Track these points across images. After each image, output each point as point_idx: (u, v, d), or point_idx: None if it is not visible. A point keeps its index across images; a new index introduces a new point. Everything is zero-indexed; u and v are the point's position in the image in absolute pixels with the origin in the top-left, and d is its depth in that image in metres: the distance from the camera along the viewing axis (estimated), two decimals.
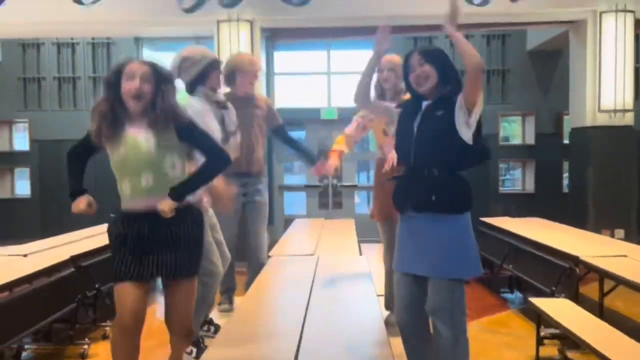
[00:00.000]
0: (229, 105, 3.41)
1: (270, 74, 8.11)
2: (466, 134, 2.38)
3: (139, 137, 2.30)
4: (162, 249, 2.32)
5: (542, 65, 8.16)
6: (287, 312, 2.76)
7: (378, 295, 2.99)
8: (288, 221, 7.10)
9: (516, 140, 8.67)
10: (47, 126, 8.18)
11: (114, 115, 2.31)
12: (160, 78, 2.34)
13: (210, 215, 3.30)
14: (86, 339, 3.83)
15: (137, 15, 6.51)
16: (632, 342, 2.74)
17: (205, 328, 3.72)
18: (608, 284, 3.74)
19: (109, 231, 2.42)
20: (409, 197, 2.46)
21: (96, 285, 3.93)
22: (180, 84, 3.24)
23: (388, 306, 3.82)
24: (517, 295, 5.14)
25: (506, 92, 8.27)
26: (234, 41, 6.44)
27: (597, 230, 5.83)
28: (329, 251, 4.15)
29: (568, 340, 3.25)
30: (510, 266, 4.87)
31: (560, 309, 3.29)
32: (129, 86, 2.28)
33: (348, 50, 8.63)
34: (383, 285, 3.86)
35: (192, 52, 3.24)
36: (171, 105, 2.32)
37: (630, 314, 4.41)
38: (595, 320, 3.13)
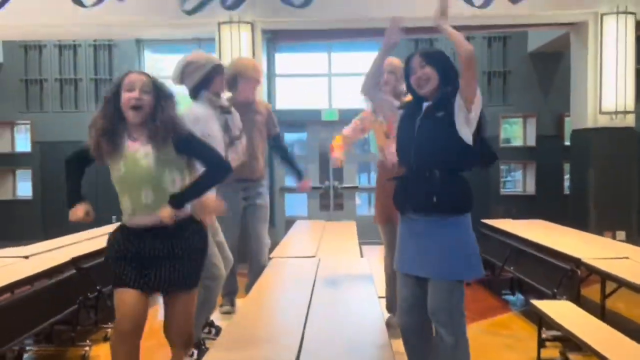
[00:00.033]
0: (233, 109, 3.40)
1: (271, 76, 8.13)
2: (466, 134, 2.38)
3: (138, 153, 2.29)
4: (163, 264, 2.31)
5: (543, 67, 8.16)
6: (288, 314, 2.76)
7: (379, 297, 2.99)
8: (289, 223, 7.10)
9: (517, 142, 8.67)
10: (49, 128, 8.20)
11: (113, 131, 2.29)
12: (159, 90, 2.34)
13: (212, 219, 3.30)
14: (87, 341, 3.83)
15: (139, 17, 6.52)
16: (634, 344, 2.73)
17: (207, 330, 3.72)
18: (610, 286, 3.74)
19: (109, 242, 2.42)
20: (410, 198, 2.46)
21: (97, 287, 3.93)
22: (184, 90, 3.26)
23: (389, 309, 3.82)
24: (518, 297, 5.13)
25: (507, 93, 8.27)
26: (235, 43, 6.44)
27: (598, 232, 5.82)
28: (330, 253, 4.14)
29: (570, 342, 3.25)
30: (512, 268, 4.86)
31: (562, 311, 3.28)
32: (128, 96, 2.28)
33: (349, 52, 8.64)
34: (384, 287, 3.86)
35: (195, 57, 3.24)
36: (170, 117, 2.31)
37: (632, 315, 4.41)
38: (597, 322, 3.13)
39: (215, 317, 3.90)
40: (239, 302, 4.34)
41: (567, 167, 7.90)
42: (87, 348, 3.73)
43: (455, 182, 2.42)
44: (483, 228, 5.73)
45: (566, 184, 8.13)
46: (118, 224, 2.45)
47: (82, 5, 6.43)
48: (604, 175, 6.45)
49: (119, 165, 2.30)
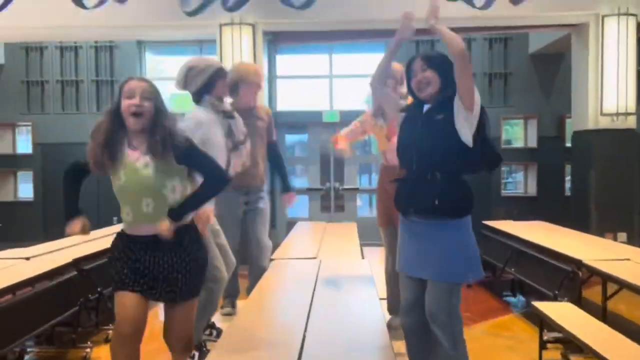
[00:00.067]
0: (236, 114, 3.38)
1: (272, 77, 8.14)
2: (466, 134, 2.38)
3: (138, 163, 2.28)
4: (162, 274, 2.30)
5: (544, 69, 8.16)
6: (289, 315, 2.76)
7: (380, 299, 2.99)
8: (290, 224, 7.09)
9: (518, 144, 8.67)
10: (50, 129, 8.21)
11: (114, 139, 2.29)
12: (159, 97, 2.34)
13: (214, 222, 3.30)
14: (88, 342, 3.83)
15: (140, 19, 6.53)
16: (635, 345, 2.73)
17: (208, 332, 3.72)
18: (611, 288, 3.73)
19: (112, 246, 2.42)
20: (412, 201, 2.47)
21: (98, 289, 3.93)
22: (188, 95, 3.25)
23: (391, 310, 3.82)
24: (519, 298, 5.13)
25: (508, 95, 8.27)
26: (236, 45, 6.45)
27: (599, 233, 5.82)
28: (331, 254, 4.14)
29: (571, 344, 3.24)
30: (513, 269, 4.86)
31: (563, 313, 3.28)
32: (128, 103, 2.27)
33: (350, 53, 8.65)
34: (385, 289, 3.86)
35: (197, 61, 3.23)
36: (169, 131, 2.29)
37: (633, 317, 4.40)
38: (598, 324, 3.12)
39: (216, 318, 3.90)
40: (240, 303, 4.34)
41: (568, 168, 7.90)
42: (88, 350, 3.73)
43: (457, 184, 2.43)
44: (484, 229, 5.72)
45: (567, 185, 8.12)
46: (119, 225, 2.45)
47: (83, 7, 6.44)
48: (605, 176, 6.44)
49: (119, 175, 2.30)
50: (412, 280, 2.52)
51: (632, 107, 6.42)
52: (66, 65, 8.38)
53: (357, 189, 8.67)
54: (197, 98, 3.21)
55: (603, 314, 3.68)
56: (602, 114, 6.42)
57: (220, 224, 3.41)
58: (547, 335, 3.51)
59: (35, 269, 3.58)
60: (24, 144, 8.62)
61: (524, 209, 7.77)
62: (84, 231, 2.43)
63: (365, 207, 8.98)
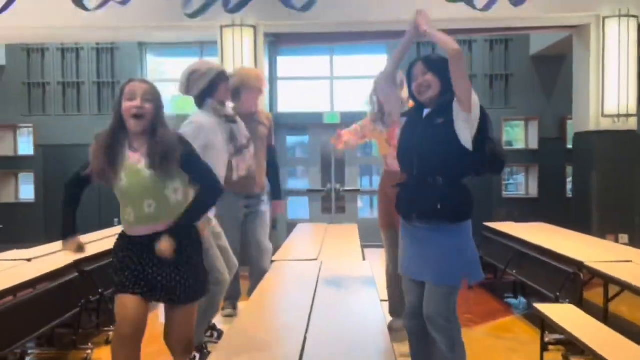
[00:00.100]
0: (238, 118, 3.37)
1: (273, 79, 8.14)
2: (465, 137, 2.38)
3: (139, 164, 2.29)
4: (162, 277, 2.30)
5: (545, 70, 8.16)
6: (290, 317, 2.76)
7: (382, 301, 2.98)
8: (291, 226, 7.09)
9: (519, 145, 8.66)
10: (52, 131, 8.21)
11: (115, 142, 2.30)
12: (160, 99, 2.35)
13: (215, 225, 3.30)
14: (89, 344, 3.84)
15: (141, 21, 6.53)
16: (637, 347, 2.72)
17: (209, 334, 3.72)
18: (613, 290, 3.73)
19: (114, 248, 2.42)
20: (414, 206, 2.47)
21: (99, 290, 3.94)
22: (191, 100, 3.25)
23: (392, 312, 3.81)
24: (521, 300, 5.12)
25: (509, 96, 8.27)
26: (237, 46, 6.45)
27: (601, 235, 5.81)
28: (332, 256, 4.14)
29: (572, 346, 3.24)
30: (514, 271, 4.85)
31: (565, 315, 3.27)
32: (129, 105, 2.27)
33: (351, 55, 8.65)
34: (386, 291, 3.85)
35: (198, 65, 3.23)
36: (168, 139, 2.30)
37: (635, 319, 4.39)
38: (600, 325, 3.12)
39: (217, 320, 3.90)
40: (241, 305, 4.34)
41: (569, 170, 7.88)
42: (88, 351, 3.74)
43: (458, 189, 2.44)
44: (485, 231, 5.72)
45: (569, 186, 8.11)
46: (120, 227, 2.46)
47: (84, 8, 6.45)
48: (606, 178, 6.44)
49: (120, 176, 2.30)
50: (415, 283, 2.54)
51: (633, 108, 6.42)
52: (67, 67, 8.38)
53: (358, 191, 8.66)
54: (200, 102, 3.20)
55: (604, 316, 3.68)
56: (603, 115, 6.41)
57: (221, 226, 3.41)
58: (548, 337, 3.51)
59: (36, 270, 3.59)
60: (25, 146, 8.62)
61: (525, 210, 7.76)
62: (80, 250, 2.50)
63: (366, 209, 8.98)
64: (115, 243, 2.42)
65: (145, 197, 2.29)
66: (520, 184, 8.93)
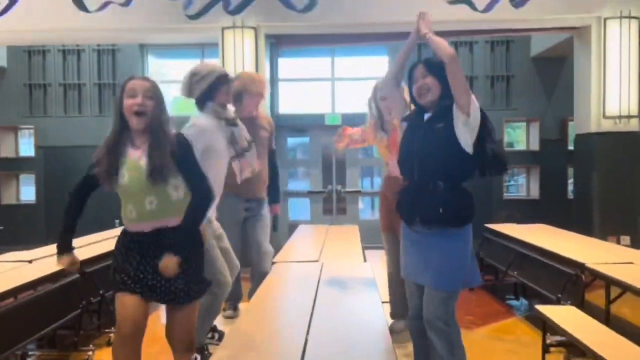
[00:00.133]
0: (239, 121, 3.36)
1: (274, 80, 8.14)
2: (465, 140, 2.38)
3: (141, 161, 2.29)
4: (163, 277, 2.30)
5: (547, 72, 8.16)
6: (291, 318, 2.75)
7: (383, 302, 2.98)
8: (292, 227, 7.09)
9: (520, 146, 8.66)
10: (53, 132, 8.22)
11: (118, 144, 2.31)
12: (161, 96, 2.35)
13: (217, 227, 3.30)
14: (90, 346, 3.83)
15: (142, 22, 6.54)
16: (639, 349, 2.72)
17: (210, 335, 3.71)
18: (614, 291, 3.72)
19: (115, 248, 2.42)
20: (416, 210, 2.47)
21: (100, 292, 3.94)
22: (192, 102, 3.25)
23: (393, 315, 3.80)
24: (522, 302, 5.11)
25: (510, 98, 8.27)
26: (238, 48, 6.46)
27: (602, 236, 5.80)
28: (333, 257, 4.14)
29: (574, 347, 3.23)
30: (516, 273, 4.84)
31: (566, 316, 3.27)
32: (131, 102, 2.28)
33: (352, 56, 8.65)
34: (387, 292, 3.85)
35: (200, 67, 3.22)
36: (168, 141, 2.31)
37: (637, 321, 4.38)
38: (602, 327, 3.11)
39: (218, 321, 3.89)
40: (242, 306, 4.34)
41: (570, 171, 7.88)
42: (90, 353, 3.74)
43: (459, 193, 2.44)
44: (486, 232, 5.71)
45: (570, 188, 8.10)
46: (120, 228, 2.46)
47: (86, 10, 6.45)
48: (608, 179, 6.43)
49: (121, 173, 2.30)
50: (417, 286, 2.54)
51: (634, 109, 6.41)
52: (68, 69, 8.39)
53: (359, 192, 8.66)
54: (200, 105, 3.19)
55: (606, 318, 3.67)
56: (604, 116, 6.41)
57: (222, 228, 3.41)
58: (550, 339, 3.50)
59: (37, 271, 3.59)
60: (27, 147, 8.63)
61: (526, 212, 7.75)
62: (73, 266, 2.52)
63: (367, 210, 8.98)
64: (117, 242, 2.42)
65: (147, 194, 2.29)
66: (521, 185, 8.93)
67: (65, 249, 2.47)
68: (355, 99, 8.20)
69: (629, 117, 6.38)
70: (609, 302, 3.75)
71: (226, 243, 3.39)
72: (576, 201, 7.07)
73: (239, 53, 6.45)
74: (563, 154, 8.04)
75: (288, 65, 8.58)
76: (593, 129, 6.48)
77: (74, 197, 2.45)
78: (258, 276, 4.04)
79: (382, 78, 2.78)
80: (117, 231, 2.55)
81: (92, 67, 8.38)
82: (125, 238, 2.38)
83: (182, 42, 7.87)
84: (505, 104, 8.25)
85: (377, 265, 4.22)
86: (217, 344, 3.49)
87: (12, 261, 3.96)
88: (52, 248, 4.42)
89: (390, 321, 3.70)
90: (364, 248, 4.70)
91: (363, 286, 3.25)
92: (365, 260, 4.14)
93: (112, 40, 7.87)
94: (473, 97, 2.39)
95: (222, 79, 3.19)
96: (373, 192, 8.60)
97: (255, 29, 6.50)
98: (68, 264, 2.49)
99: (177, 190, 2.34)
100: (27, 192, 8.61)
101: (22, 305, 3.31)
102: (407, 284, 2.64)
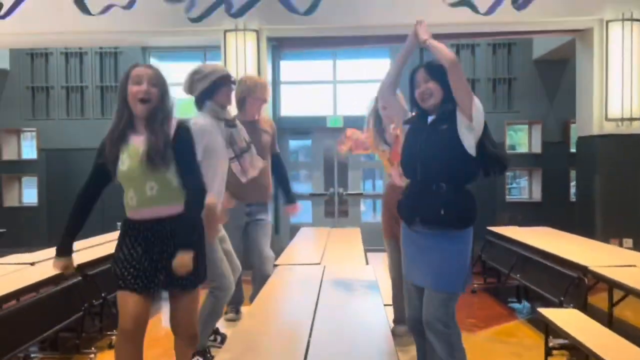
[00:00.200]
0: (238, 122, 3.37)
1: (276, 83, 8.15)
2: (469, 143, 2.38)
3: (142, 148, 2.30)
4: (166, 261, 2.31)
5: (549, 74, 8.15)
6: (293, 321, 2.75)
7: (385, 305, 2.97)
8: (294, 229, 7.09)
9: (523, 149, 8.65)
10: (55, 135, 8.24)
11: (123, 131, 2.33)
12: (165, 84, 2.39)
13: (219, 228, 3.30)
14: (92, 348, 3.83)
15: (145, 25, 6.55)
16: None
17: (212, 338, 3.71)
18: (617, 294, 3.71)
19: (119, 240, 2.43)
20: (418, 211, 2.47)
21: (102, 294, 3.94)
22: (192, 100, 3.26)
23: (396, 320, 3.79)
24: (524, 305, 5.10)
25: (512, 100, 8.26)
26: (240, 51, 6.47)
27: (605, 239, 5.79)
28: (335, 260, 4.13)
29: (577, 350, 3.22)
30: (518, 275, 4.83)
31: (569, 319, 3.26)
32: (136, 89, 2.30)
33: (354, 59, 8.66)
34: (390, 295, 3.84)
35: (203, 66, 3.23)
36: (168, 132, 2.33)
37: None
38: (605, 330, 3.10)
39: (220, 324, 3.89)
40: (243, 309, 4.34)
41: (573, 173, 7.87)
42: (92, 355, 3.73)
43: (462, 195, 2.44)
44: (489, 235, 5.71)
45: (572, 190, 8.09)
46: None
47: (88, 13, 6.47)
48: (610, 182, 6.42)
49: (123, 158, 2.32)
50: (417, 287, 2.54)
51: (637, 112, 6.40)
52: (71, 71, 8.41)
53: (361, 194, 8.66)
54: (199, 104, 3.20)
55: (609, 321, 3.65)
56: (607, 119, 6.40)
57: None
58: (552, 342, 3.50)
59: (39, 274, 3.59)
60: (29, 150, 8.64)
61: (528, 214, 7.74)
62: (66, 271, 2.55)
63: (369, 213, 8.97)
64: (120, 234, 2.42)
65: (148, 180, 2.31)
66: (523, 188, 8.92)
67: (64, 252, 2.50)
68: (357, 101, 8.20)
69: (631, 119, 6.37)
70: (612, 305, 3.74)
71: (229, 245, 3.39)
72: (578, 204, 7.06)
73: (241, 56, 6.46)
74: (565, 157, 8.03)
75: (290, 67, 8.59)
76: (595, 131, 6.47)
77: (85, 190, 2.44)
78: (260, 279, 4.04)
79: (379, 86, 2.77)
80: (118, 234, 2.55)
81: (95, 70, 8.39)
82: (126, 227, 2.38)
83: (184, 45, 7.88)
84: (507, 106, 8.24)
85: (379, 267, 4.22)
86: (219, 347, 3.49)
87: (15, 263, 3.96)
88: (54, 250, 4.46)
89: (393, 325, 3.69)
90: (366, 251, 4.69)
91: (365, 289, 3.25)
92: (367, 263, 4.14)
93: (114, 43, 7.89)
94: (476, 100, 2.40)
95: (224, 80, 3.19)
96: (375, 195, 8.59)
97: (257, 31, 6.52)
98: (62, 268, 2.52)
99: (178, 176, 2.35)
100: (30, 194, 8.62)
101: (25, 307, 3.31)
102: (405, 285, 2.64)
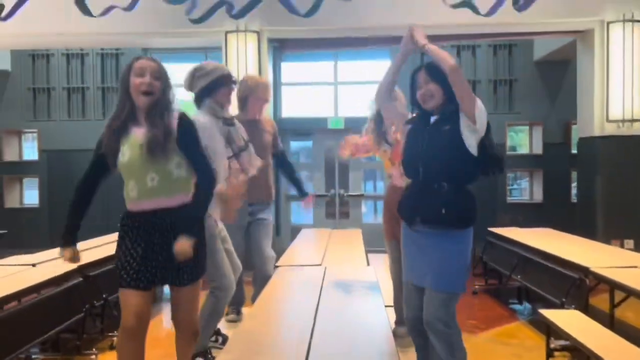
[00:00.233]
0: (236, 121, 3.37)
1: (277, 84, 8.15)
2: (471, 143, 2.39)
3: (143, 140, 2.32)
4: (167, 255, 2.32)
5: (550, 75, 8.15)
6: (294, 322, 2.75)
7: (386, 306, 2.97)
8: (295, 231, 7.09)
9: (524, 150, 8.64)
10: (56, 136, 8.25)
11: (125, 123, 2.35)
12: (167, 78, 2.40)
13: (221, 228, 3.30)
14: (94, 349, 3.83)
15: (146, 26, 6.57)
16: None
17: (213, 339, 3.71)
18: (619, 295, 3.71)
19: (120, 235, 2.44)
20: (418, 211, 2.47)
21: (104, 295, 3.94)
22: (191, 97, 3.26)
23: (398, 321, 3.79)
24: (526, 306, 5.10)
25: (513, 101, 8.26)
26: (241, 52, 6.47)
27: (606, 240, 5.78)
28: (336, 261, 4.13)
29: (578, 352, 3.22)
30: (519, 277, 4.83)
31: (570, 321, 3.26)
32: (139, 81, 2.31)
33: (355, 60, 8.67)
34: (391, 296, 3.84)
35: (205, 63, 3.23)
36: (169, 124, 2.34)
37: None
38: (606, 331, 3.10)
39: (222, 325, 3.89)
40: (245, 310, 4.34)
41: (574, 175, 7.87)
42: (93, 356, 3.73)
43: (463, 195, 2.45)
44: (490, 236, 5.70)
45: (573, 192, 8.09)
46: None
47: (89, 14, 6.47)
48: (611, 183, 6.42)
49: (124, 149, 2.33)
50: (417, 287, 2.54)
51: (638, 113, 6.40)
52: (72, 72, 8.43)
53: (362, 196, 8.65)
54: (199, 102, 3.21)
55: (610, 322, 3.65)
56: (608, 120, 6.40)
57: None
58: (554, 343, 3.49)
59: (40, 275, 3.60)
60: (30, 151, 8.65)
61: (529, 215, 7.74)
62: (74, 260, 2.52)
63: (370, 214, 8.97)
64: (120, 230, 2.43)
65: (148, 171, 2.31)
66: (524, 189, 8.91)
67: (69, 242, 2.49)
68: (358, 102, 8.21)
69: (632, 120, 6.37)
70: (613, 306, 3.73)
71: (230, 245, 3.39)
72: (580, 205, 7.06)
73: (242, 57, 6.46)
74: (566, 158, 8.03)
75: (291, 69, 8.59)
76: (596, 132, 6.47)
77: (84, 181, 2.46)
78: (261, 280, 4.04)
79: (376, 91, 2.77)
80: None
81: (96, 71, 8.41)
82: (127, 219, 2.38)
83: (185, 46, 7.88)
84: (508, 107, 8.24)
85: (380, 269, 4.22)
86: (220, 348, 3.49)
87: (16, 265, 3.96)
88: (56, 251, 4.45)
89: (394, 326, 3.69)
90: (367, 252, 4.69)
91: (366, 290, 3.25)
92: (368, 264, 4.14)
93: (115, 44, 7.90)
94: (479, 101, 2.40)
95: (225, 79, 3.20)
96: (376, 196, 8.59)
97: (258, 33, 6.52)
98: (70, 256, 2.50)
99: (179, 167, 2.36)
100: (31, 195, 8.63)
101: (26, 308, 3.31)
102: (405, 284, 2.63)
